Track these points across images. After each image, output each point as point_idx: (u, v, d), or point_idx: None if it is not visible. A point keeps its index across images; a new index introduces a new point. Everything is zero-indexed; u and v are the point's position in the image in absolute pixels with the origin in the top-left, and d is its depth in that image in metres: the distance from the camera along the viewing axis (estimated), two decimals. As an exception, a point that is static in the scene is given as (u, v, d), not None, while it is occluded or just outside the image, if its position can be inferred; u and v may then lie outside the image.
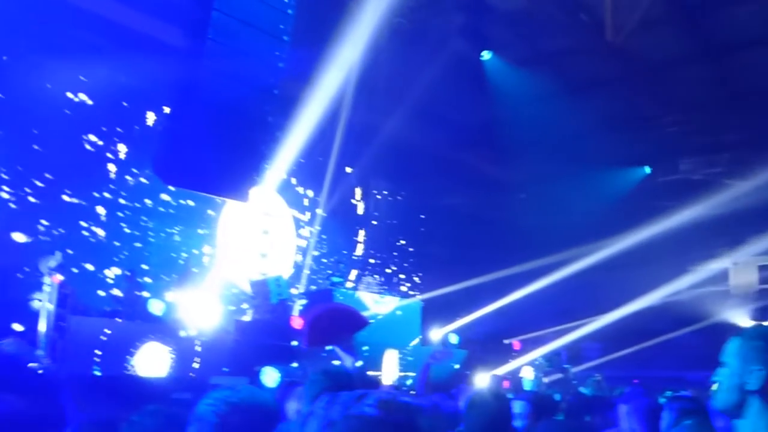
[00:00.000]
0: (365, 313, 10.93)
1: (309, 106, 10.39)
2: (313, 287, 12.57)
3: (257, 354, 8.65)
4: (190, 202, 10.68)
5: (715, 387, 2.16)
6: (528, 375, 12.32)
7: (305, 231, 12.95)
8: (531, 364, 12.77)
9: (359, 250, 14.05)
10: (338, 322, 4.51)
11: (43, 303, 7.21)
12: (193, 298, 9.03)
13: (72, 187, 9.40)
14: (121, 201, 9.99)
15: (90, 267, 9.15)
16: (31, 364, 1.73)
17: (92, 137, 9.69)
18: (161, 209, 10.44)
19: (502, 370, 12.41)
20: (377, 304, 11.66)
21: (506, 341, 14.65)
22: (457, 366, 11.36)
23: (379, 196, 14.78)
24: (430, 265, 14.87)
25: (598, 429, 4.24)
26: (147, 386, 7.43)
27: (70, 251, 7.74)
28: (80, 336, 7.60)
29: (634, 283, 14.33)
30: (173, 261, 10.40)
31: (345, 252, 13.76)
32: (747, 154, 13.46)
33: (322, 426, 1.62)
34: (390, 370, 10.66)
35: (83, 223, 9.51)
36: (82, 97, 9.45)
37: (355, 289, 12.35)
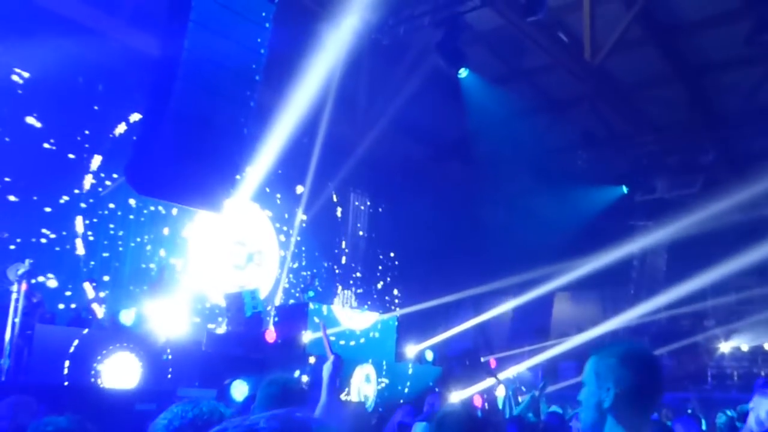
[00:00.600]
0: (339, 329, 10.95)
1: (286, 118, 10.41)
2: (292, 301, 12.52)
3: (228, 366, 8.59)
4: (162, 209, 10.61)
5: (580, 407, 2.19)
6: (501, 393, 12.29)
7: (283, 243, 12.91)
8: (505, 382, 12.74)
9: (337, 263, 14.02)
10: None
11: (10, 311, 7.14)
12: (163, 309, 8.97)
13: (38, 193, 9.33)
14: (84, 206, 9.90)
15: (51, 276, 9.01)
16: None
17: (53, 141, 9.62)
18: (131, 217, 10.37)
19: (476, 387, 12.37)
20: (352, 319, 11.61)
21: (483, 359, 14.63)
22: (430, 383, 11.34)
23: (361, 207, 14.78)
24: (406, 280, 14.86)
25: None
26: (113, 396, 7.36)
27: (29, 259, 7.64)
28: (47, 345, 7.54)
29: (611, 302, 14.43)
30: (144, 271, 10.32)
31: (326, 264, 13.74)
32: (722, 174, 13.67)
33: None
34: (359, 386, 10.63)
35: (45, 231, 9.41)
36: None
37: (329, 303, 12.30)
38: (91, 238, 9.90)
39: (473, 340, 14.41)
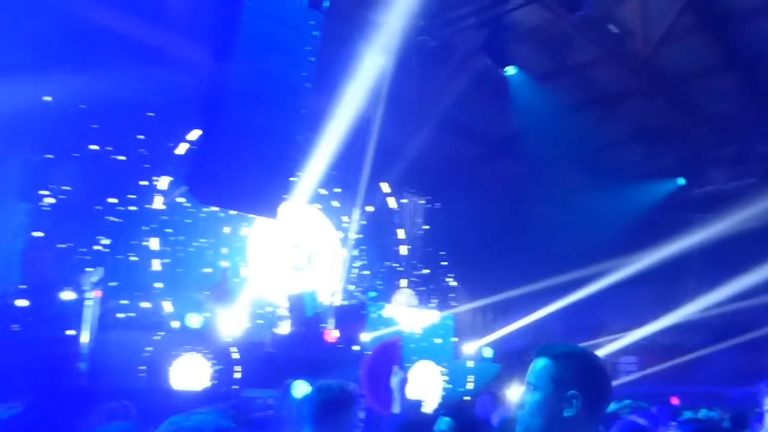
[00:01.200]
0: (396, 328, 11.08)
1: (339, 121, 10.62)
2: (352, 301, 12.65)
3: (290, 367, 8.79)
4: (221, 214, 10.93)
5: (521, 411, 1.99)
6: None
7: (342, 243, 13.07)
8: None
9: (396, 261, 14.10)
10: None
11: (85, 316, 7.51)
12: (227, 312, 9.25)
13: (103, 203, 9.74)
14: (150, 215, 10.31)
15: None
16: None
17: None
18: (188, 221, 10.72)
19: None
20: (410, 318, 11.72)
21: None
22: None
23: (416, 206, 14.81)
24: (462, 278, 14.87)
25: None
26: (183, 399, 7.63)
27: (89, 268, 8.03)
28: (121, 349, 7.89)
29: (671, 296, 14.17)
30: (205, 276, 10.63)
31: (386, 264, 13.84)
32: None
33: None
34: (426, 382, 10.76)
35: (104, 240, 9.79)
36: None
37: (388, 302, 12.39)
38: (156, 247, 10.28)
39: (531, 337, 14.33)
